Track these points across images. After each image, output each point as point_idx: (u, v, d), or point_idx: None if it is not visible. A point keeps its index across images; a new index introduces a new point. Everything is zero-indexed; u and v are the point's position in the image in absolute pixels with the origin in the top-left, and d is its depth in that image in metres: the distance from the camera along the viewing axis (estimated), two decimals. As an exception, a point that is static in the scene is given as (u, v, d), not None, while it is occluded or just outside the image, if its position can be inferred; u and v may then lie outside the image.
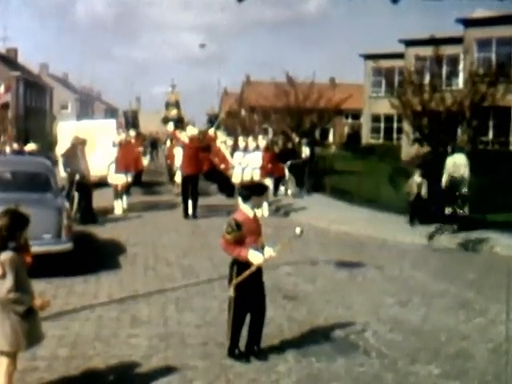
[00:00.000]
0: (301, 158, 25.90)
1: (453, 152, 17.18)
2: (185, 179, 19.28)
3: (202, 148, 20.10)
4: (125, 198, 19.78)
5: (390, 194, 20.72)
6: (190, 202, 19.00)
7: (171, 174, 25.84)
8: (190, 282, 11.36)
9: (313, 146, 27.87)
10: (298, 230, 7.55)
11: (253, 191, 7.57)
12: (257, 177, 19.33)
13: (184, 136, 20.35)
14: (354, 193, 22.78)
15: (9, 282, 5.82)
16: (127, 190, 20.35)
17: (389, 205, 20.03)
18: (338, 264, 12.88)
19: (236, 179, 21.08)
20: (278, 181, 24.00)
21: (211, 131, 24.80)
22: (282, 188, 24.68)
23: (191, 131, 20.28)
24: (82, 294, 10.48)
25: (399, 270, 12.73)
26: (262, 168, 20.09)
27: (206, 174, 23.75)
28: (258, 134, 26.87)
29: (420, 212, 17.46)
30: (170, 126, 26.82)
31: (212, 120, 56.43)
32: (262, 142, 21.36)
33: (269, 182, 19.91)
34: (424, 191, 17.37)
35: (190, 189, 18.87)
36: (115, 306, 9.84)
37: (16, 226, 6.05)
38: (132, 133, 21.47)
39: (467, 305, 10.31)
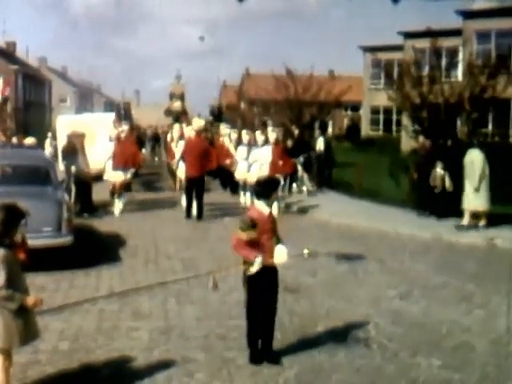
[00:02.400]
0: (315, 152, 24.12)
1: (469, 148, 16.79)
2: (189, 181, 17.54)
3: (208, 143, 18.63)
4: (122, 198, 18.48)
5: (391, 187, 20.72)
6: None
7: (171, 170, 24.18)
8: (190, 274, 11.36)
9: (328, 138, 26.09)
10: (305, 252, 7.65)
11: (270, 187, 7.40)
12: (265, 173, 16.92)
13: (189, 130, 18.89)
14: (354, 185, 22.71)
15: (0, 279, 5.80)
16: (127, 187, 19.38)
17: (389, 197, 20.04)
18: (338, 257, 12.88)
19: (240, 175, 20.22)
20: (291, 178, 21.82)
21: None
22: (293, 185, 22.73)
23: (197, 123, 18.35)
24: (82, 288, 10.49)
25: (400, 263, 12.72)
26: (272, 164, 17.84)
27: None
28: (264, 126, 25.94)
29: (434, 205, 17.25)
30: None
31: (215, 112, 55.15)
32: (272, 134, 18.74)
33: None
34: (448, 184, 17.07)
35: (195, 190, 17.32)
36: (116, 299, 9.85)
37: (11, 221, 6.02)
38: (125, 126, 20.29)
39: (468, 297, 10.31)
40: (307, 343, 7.95)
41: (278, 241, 7.32)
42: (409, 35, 42.66)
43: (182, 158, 17.98)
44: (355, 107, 63.46)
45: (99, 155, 20.09)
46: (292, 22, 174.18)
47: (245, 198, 19.91)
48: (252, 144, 20.16)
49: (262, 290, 7.23)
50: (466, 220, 16.20)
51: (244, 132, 22.00)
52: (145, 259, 12.71)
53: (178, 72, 53.41)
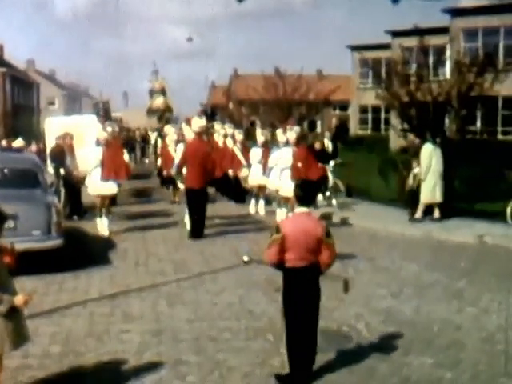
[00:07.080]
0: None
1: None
2: (190, 193, 15.10)
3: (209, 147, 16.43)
4: (109, 215, 15.88)
5: (381, 185, 20.73)
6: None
7: (163, 178, 22.42)
8: (181, 276, 11.33)
9: (336, 140, 24.11)
10: (245, 258, 7.87)
11: (313, 191, 7.68)
12: (287, 178, 15.03)
13: (188, 132, 16.46)
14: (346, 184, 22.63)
15: None
16: (113, 200, 17.52)
17: (379, 196, 20.04)
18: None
19: (254, 181, 18.18)
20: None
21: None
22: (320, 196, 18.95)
23: (198, 123, 15.64)
24: (73, 291, 10.44)
25: (390, 262, 12.72)
26: (293, 168, 15.10)
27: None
28: (252, 126, 25.22)
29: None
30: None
31: (207, 111, 53.70)
32: (292, 134, 15.77)
33: None
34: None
35: (197, 204, 14.96)
36: (107, 301, 9.81)
37: None
38: (109, 128, 16.92)
39: (459, 295, 10.32)
40: (299, 343, 7.92)
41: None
42: (396, 34, 42.74)
43: (180, 165, 15.53)
44: (344, 106, 63.46)
45: (88, 157, 19.68)
46: (280, 22, 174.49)
47: (256, 208, 18.20)
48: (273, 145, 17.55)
49: (293, 294, 7.06)
50: (419, 213, 16.53)
51: (259, 132, 19.45)
52: (135, 261, 12.67)
53: (155, 67, 50.69)
